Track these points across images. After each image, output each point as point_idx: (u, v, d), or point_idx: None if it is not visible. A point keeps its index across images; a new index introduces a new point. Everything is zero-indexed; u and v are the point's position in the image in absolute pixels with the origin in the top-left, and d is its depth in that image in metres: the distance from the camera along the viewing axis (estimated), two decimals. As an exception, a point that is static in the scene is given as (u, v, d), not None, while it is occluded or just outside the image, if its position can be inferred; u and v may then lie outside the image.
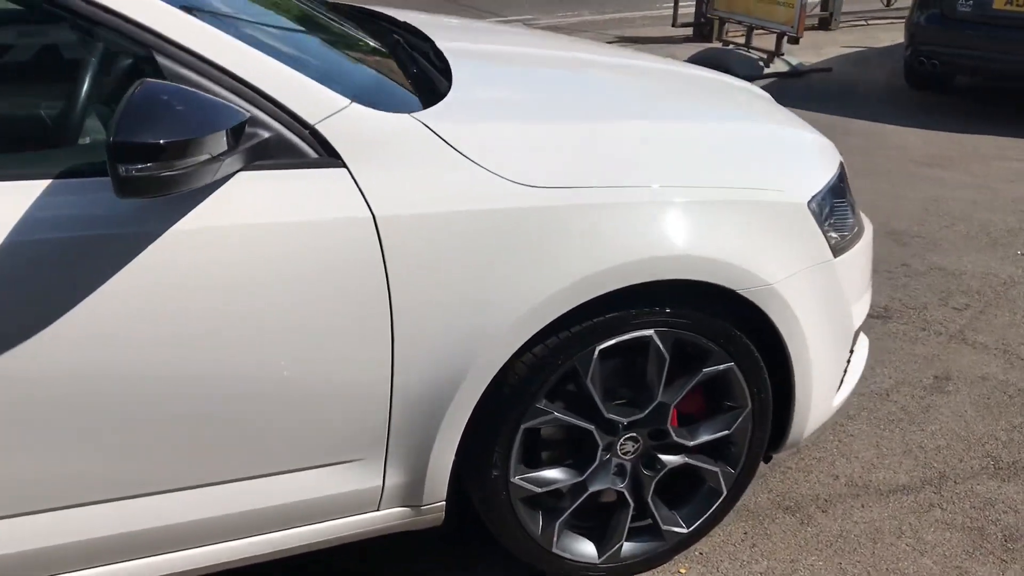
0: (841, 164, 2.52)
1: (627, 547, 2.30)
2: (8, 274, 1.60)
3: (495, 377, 1.98)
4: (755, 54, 8.29)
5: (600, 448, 2.17)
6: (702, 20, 9.47)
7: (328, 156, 1.80)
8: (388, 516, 2.05)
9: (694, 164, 2.15)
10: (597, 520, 2.29)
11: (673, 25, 9.82)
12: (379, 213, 1.81)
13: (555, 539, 2.21)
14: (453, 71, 2.26)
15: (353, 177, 1.81)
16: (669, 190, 2.04)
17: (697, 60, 8.38)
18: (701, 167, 2.15)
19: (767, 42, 8.31)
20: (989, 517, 2.56)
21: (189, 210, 1.69)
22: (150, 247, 1.67)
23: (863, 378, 2.62)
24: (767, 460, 2.49)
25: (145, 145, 1.52)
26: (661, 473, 2.26)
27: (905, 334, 3.54)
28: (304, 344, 1.81)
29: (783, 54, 8.09)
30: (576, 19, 11.27)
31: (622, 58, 2.93)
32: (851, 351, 2.57)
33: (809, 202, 2.21)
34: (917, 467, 2.78)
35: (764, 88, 7.73)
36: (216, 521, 1.91)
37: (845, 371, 2.52)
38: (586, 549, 2.27)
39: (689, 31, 9.74)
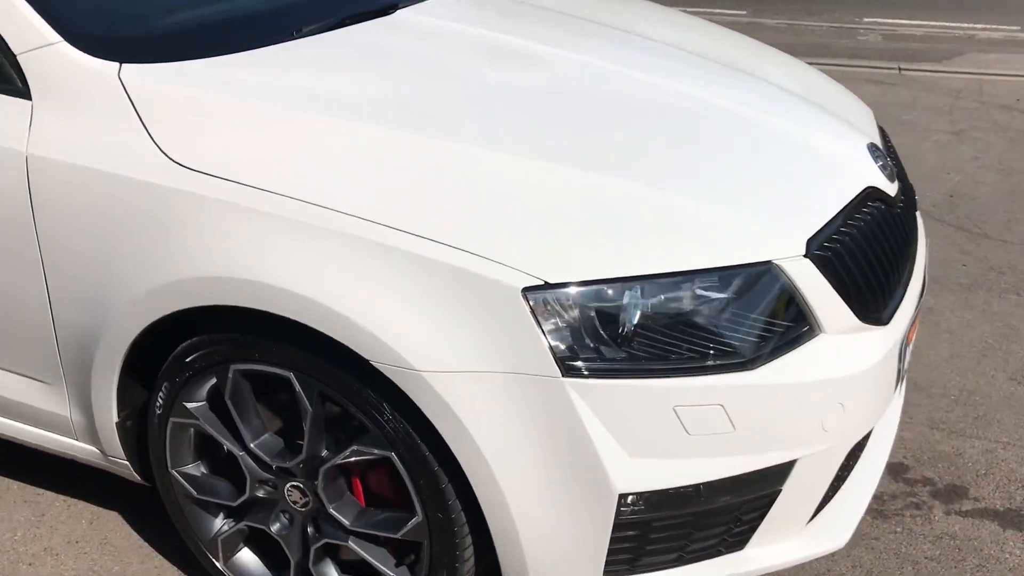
0: (766, 268, 1.70)
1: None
2: None
3: (140, 353, 1.87)
4: None
5: (249, 480, 1.90)
6: None
7: (25, 87, 1.87)
8: (86, 450, 2.10)
9: (400, 195, 1.68)
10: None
11: None
12: (32, 152, 1.83)
13: (219, 554, 2.02)
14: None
15: (32, 113, 1.86)
16: (326, 213, 1.65)
17: None
18: (410, 204, 1.66)
19: None
20: None
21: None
22: None
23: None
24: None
25: None
26: (319, 543, 1.89)
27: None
28: None
29: None
30: None
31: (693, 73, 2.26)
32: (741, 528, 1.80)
33: (538, 288, 1.58)
34: None
35: None
36: None
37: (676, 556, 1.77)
38: (260, 585, 2.03)
39: None
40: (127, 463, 2.05)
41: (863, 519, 2.38)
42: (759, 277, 1.72)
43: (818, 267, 1.77)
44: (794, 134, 2.07)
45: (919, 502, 2.47)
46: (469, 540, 1.76)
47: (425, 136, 1.80)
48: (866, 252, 1.90)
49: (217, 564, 2.02)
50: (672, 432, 1.65)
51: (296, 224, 1.66)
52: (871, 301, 1.88)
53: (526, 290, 1.58)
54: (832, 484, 1.90)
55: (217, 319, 1.79)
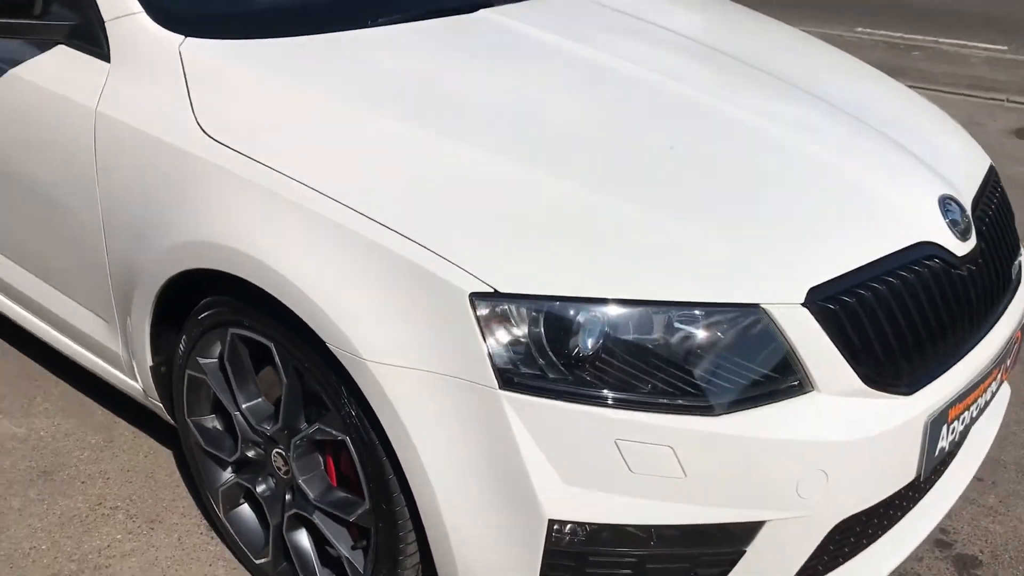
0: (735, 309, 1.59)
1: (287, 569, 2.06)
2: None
3: (177, 305, 2.01)
4: None
5: (241, 439, 2.00)
6: None
7: (107, 51, 2.06)
8: (132, 386, 2.28)
9: (387, 188, 1.71)
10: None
11: None
12: (100, 109, 2.02)
13: (220, 505, 2.13)
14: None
15: (108, 75, 2.04)
16: (315, 195, 1.70)
17: None
18: (393, 197, 1.69)
19: None
20: None
21: (23, 58, 2.17)
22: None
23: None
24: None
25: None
26: (291, 512, 1.96)
27: None
28: (47, 190, 2.17)
29: None
30: None
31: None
32: None
33: (487, 295, 1.55)
34: None
35: None
36: (26, 299, 2.48)
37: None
38: (252, 538, 2.12)
39: None
40: (160, 404, 2.21)
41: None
42: (743, 320, 1.60)
43: (818, 319, 1.63)
44: (848, 174, 1.89)
45: (978, 604, 2.20)
46: (413, 536, 1.76)
47: (432, 133, 1.81)
48: (895, 312, 1.72)
49: (219, 514, 2.14)
50: (612, 466, 1.57)
51: (287, 203, 1.72)
52: (888, 366, 1.70)
53: (474, 295, 1.55)
54: (819, 558, 1.74)
55: (229, 284, 1.89)
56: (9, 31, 2.07)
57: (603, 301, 1.57)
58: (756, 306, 1.60)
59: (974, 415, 1.96)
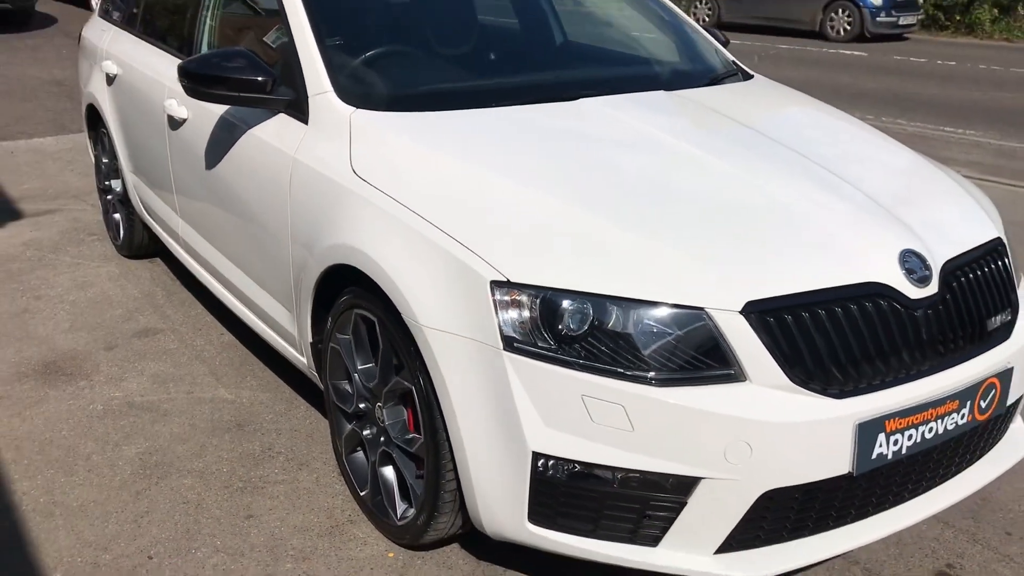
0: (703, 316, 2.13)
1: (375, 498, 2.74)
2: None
3: (327, 293, 2.81)
4: None
5: (355, 395, 2.72)
6: None
7: (306, 117, 2.95)
8: (301, 361, 3.10)
9: (457, 206, 2.41)
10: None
11: None
12: (296, 156, 2.89)
13: (342, 449, 2.86)
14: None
15: (305, 133, 2.92)
16: (413, 216, 2.42)
17: None
18: (458, 213, 2.38)
19: None
20: None
21: (258, 121, 3.13)
22: (214, 132, 3.23)
23: None
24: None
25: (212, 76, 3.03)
26: (380, 448, 2.64)
27: None
28: (260, 212, 3.08)
29: None
30: None
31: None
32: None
33: (503, 283, 2.19)
34: None
35: None
36: (244, 296, 3.40)
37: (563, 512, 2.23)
38: (360, 476, 2.81)
39: None
40: (316, 374, 3.00)
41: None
42: (690, 318, 2.13)
43: (753, 326, 2.12)
44: (823, 225, 2.36)
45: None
46: (451, 466, 2.38)
47: (508, 180, 2.49)
48: (830, 332, 2.17)
49: (342, 457, 2.87)
50: (579, 415, 2.14)
51: (394, 219, 2.46)
52: (818, 373, 2.15)
53: (493, 282, 2.20)
54: (757, 524, 2.18)
55: (360, 279, 2.64)
56: (253, 102, 3.01)
57: (586, 294, 2.16)
58: (701, 309, 2.13)
59: (927, 437, 2.30)
